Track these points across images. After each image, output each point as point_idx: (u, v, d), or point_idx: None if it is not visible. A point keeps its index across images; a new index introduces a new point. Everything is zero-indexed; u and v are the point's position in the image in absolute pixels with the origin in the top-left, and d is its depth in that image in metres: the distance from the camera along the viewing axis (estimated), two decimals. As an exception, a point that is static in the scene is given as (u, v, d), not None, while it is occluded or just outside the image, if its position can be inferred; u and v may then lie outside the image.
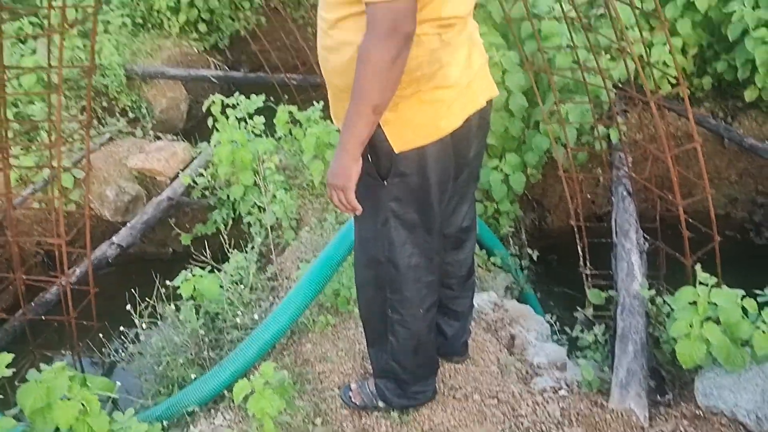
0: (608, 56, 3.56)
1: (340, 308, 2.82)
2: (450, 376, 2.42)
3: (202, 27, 6.48)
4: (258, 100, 4.04)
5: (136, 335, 2.93)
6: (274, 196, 3.70)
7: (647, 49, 3.62)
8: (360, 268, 2.08)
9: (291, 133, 4.19)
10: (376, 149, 1.73)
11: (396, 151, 1.72)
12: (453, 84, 1.73)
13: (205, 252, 3.22)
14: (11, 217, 2.76)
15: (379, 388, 2.24)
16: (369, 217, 1.88)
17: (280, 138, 4.25)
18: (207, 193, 4.24)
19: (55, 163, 2.74)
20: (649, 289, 2.70)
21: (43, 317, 3.21)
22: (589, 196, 4.42)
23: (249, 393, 2.09)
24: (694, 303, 2.20)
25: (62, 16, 2.28)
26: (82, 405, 2.01)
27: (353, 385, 2.38)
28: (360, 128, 1.58)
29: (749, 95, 4.02)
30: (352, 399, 2.33)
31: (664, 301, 2.62)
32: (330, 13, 1.67)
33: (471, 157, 1.97)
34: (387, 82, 1.52)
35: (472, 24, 1.85)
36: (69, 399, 2.02)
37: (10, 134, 3.98)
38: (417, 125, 1.72)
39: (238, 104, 4.05)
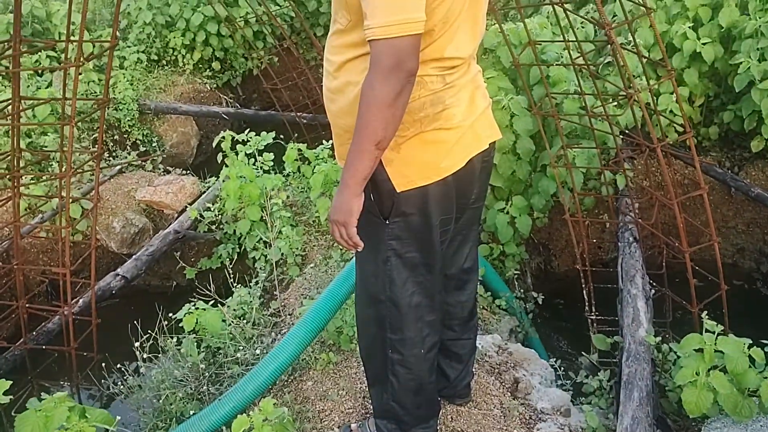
0: (615, 103, 3.60)
1: (342, 346, 2.79)
2: (452, 418, 2.38)
3: (216, 65, 6.62)
4: (268, 137, 4.09)
5: (137, 368, 2.91)
6: (280, 232, 3.71)
7: (654, 97, 3.66)
8: (361, 307, 2.07)
9: (299, 171, 4.23)
10: (378, 188, 1.75)
11: (398, 190, 1.73)
12: (456, 125, 1.75)
13: (209, 286, 3.22)
14: (18, 245, 2.77)
15: (380, 428, 2.20)
16: (370, 255, 1.88)
17: (288, 175, 4.29)
18: (214, 227, 4.26)
19: (64, 193, 2.77)
20: (655, 336, 2.67)
21: (44, 347, 3.19)
22: (595, 241, 4.42)
23: (248, 429, 2.06)
24: (701, 350, 2.17)
25: (79, 50, 2.34)
26: (79, 437, 1.99)
27: (353, 425, 2.34)
28: (362, 164, 1.59)
29: (755, 146, 4.05)
30: (352, 439, 2.30)
31: (670, 348, 2.59)
32: (336, 56, 1.70)
33: (473, 198, 1.98)
34: (390, 119, 1.53)
35: (475, 67, 1.88)
36: (67, 430, 2.00)
37: (21, 163, 4.04)
38: (419, 165, 1.73)
39: (248, 140, 4.09)
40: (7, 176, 2.73)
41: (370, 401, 2.50)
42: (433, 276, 1.93)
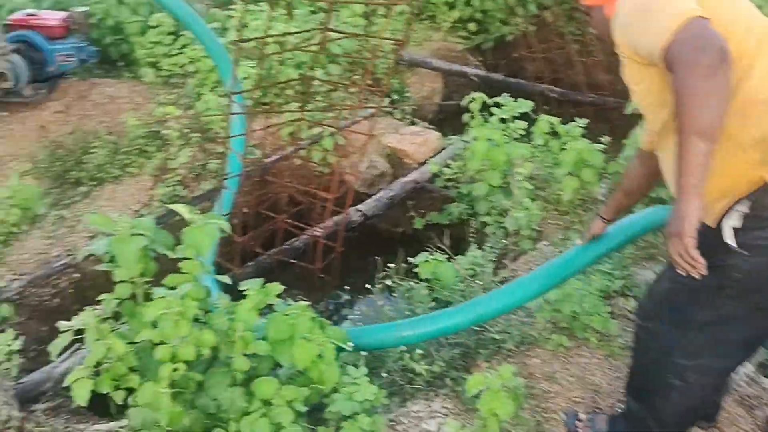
0: None
1: (575, 332, 2.68)
2: (693, 440, 2.18)
3: (472, 26, 6.60)
4: (526, 104, 4.00)
5: (365, 300, 3.06)
6: (520, 203, 3.63)
7: None
8: (655, 322, 1.88)
9: (547, 144, 4.10)
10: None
11: None
12: None
13: (435, 239, 3.22)
14: (291, 164, 3.01)
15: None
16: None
17: (535, 147, 4.17)
18: (449, 185, 4.30)
19: (341, 123, 2.93)
20: None
21: (292, 261, 3.45)
22: None
23: (482, 389, 2.06)
24: None
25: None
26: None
27: (582, 416, 2.24)
28: (691, 164, 1.42)
29: None
30: (578, 429, 2.20)
31: None
32: (655, 124, 1.66)
33: None
34: (705, 100, 1.38)
35: None
36: (309, 340, 2.09)
37: (291, 92, 4.38)
38: None
39: (503, 105, 4.03)
40: (300, 99, 2.94)
41: (600, 396, 2.40)
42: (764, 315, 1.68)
